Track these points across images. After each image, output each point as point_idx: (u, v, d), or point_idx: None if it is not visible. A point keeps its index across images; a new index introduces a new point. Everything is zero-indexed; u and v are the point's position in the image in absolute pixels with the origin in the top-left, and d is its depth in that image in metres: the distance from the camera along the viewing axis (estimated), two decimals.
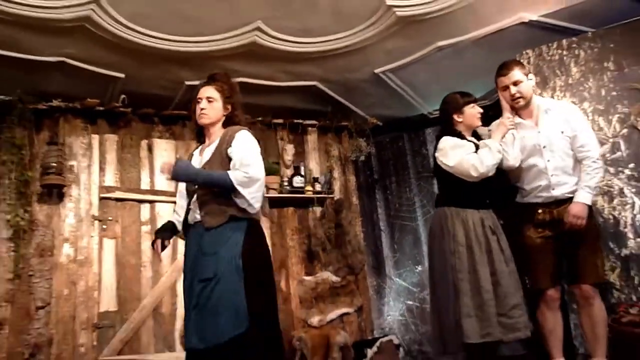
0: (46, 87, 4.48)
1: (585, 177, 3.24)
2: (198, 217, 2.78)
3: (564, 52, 4.05)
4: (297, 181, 5.21)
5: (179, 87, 4.75)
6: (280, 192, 5.16)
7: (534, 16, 4.04)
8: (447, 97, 3.57)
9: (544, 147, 3.34)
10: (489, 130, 3.52)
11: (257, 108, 5.02)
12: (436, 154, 3.45)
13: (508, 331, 3.14)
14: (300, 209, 5.34)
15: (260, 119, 5.23)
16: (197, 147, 3.06)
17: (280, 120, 5.40)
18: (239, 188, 2.68)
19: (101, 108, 4.70)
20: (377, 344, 4.81)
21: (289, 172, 5.30)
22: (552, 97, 3.97)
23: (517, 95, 3.37)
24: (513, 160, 3.36)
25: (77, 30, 3.79)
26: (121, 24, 3.79)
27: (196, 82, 4.55)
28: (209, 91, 2.94)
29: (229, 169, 2.74)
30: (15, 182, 4.27)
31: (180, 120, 5.04)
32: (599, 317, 3.22)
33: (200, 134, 3.02)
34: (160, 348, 4.48)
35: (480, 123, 3.52)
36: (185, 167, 2.78)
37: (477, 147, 3.41)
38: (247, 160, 2.73)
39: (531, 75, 3.48)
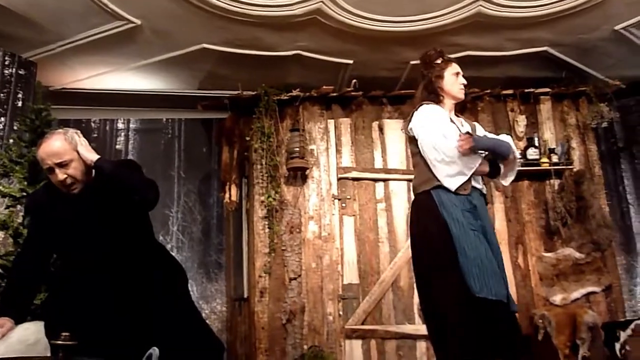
0: (286, 79, 4.93)
1: None
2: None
3: None
4: (532, 153, 4.97)
5: (403, 67, 4.86)
6: None
7: None
8: None
9: None
10: None
11: (484, 80, 4.91)
12: None
13: None
14: (536, 182, 5.09)
15: (488, 91, 5.10)
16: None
17: (510, 91, 5.19)
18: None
19: (335, 94, 5.00)
20: (632, 326, 4.40)
21: (522, 144, 5.08)
22: None
23: None
24: None
25: (309, 23, 4.10)
26: (349, 12, 4.01)
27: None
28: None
29: None
30: (266, 167, 4.78)
31: (407, 99, 5.12)
32: None
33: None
34: (400, 320, 4.66)
35: None
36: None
37: None
38: None
39: None
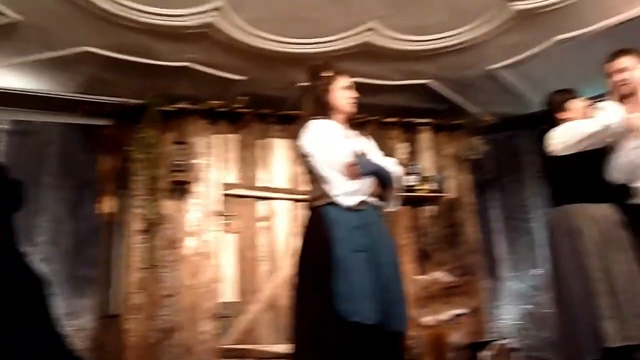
0: (174, 91, 4.81)
1: None
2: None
3: None
4: (410, 180, 5.20)
5: (293, 87, 4.91)
6: None
7: None
8: (546, 98, 3.49)
9: None
10: None
11: (369, 107, 5.05)
12: (546, 149, 3.31)
13: None
14: (413, 207, 5.33)
15: (372, 118, 5.27)
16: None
17: (392, 120, 5.41)
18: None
19: (223, 109, 4.95)
20: (493, 346, 4.70)
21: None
22: None
23: (621, 82, 3.16)
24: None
25: (201, 36, 4.04)
26: (242, 29, 4.00)
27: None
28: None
29: None
30: (147, 179, 4.62)
31: (296, 119, 5.17)
32: None
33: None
34: (277, 339, 4.65)
35: (588, 117, 3.34)
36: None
37: None
38: None
39: None
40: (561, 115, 3.36)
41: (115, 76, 4.57)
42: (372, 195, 2.75)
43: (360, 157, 2.69)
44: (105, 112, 4.91)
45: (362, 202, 2.68)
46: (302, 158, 2.82)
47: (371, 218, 2.71)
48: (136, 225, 4.59)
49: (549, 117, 3.43)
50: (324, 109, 2.83)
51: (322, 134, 2.72)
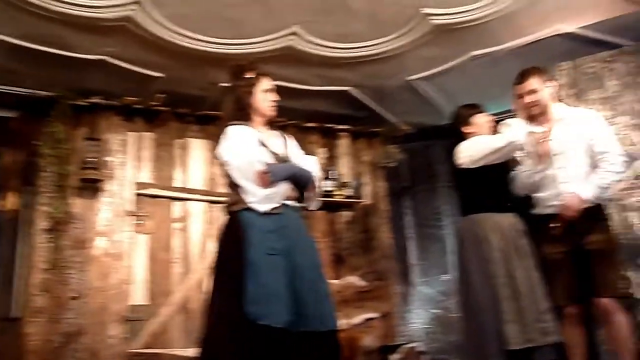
0: (87, 85, 4.61)
1: (595, 175, 3.18)
2: None
3: (601, 66, 4.03)
4: (327, 185, 5.25)
5: (213, 87, 4.84)
6: None
7: (571, 28, 4.03)
8: (457, 109, 3.68)
9: (555, 154, 3.28)
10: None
11: (289, 111, 5.08)
12: (457, 161, 3.47)
13: (542, 336, 3.12)
14: (329, 212, 5.38)
15: (292, 122, 5.29)
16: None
17: (312, 124, 5.44)
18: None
19: (139, 106, 4.80)
20: (402, 350, 4.81)
21: None
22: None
23: (532, 104, 3.32)
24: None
25: (119, 29, 3.90)
26: (162, 24, 3.89)
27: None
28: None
29: None
30: (55, 176, 4.39)
31: (215, 120, 5.11)
32: (621, 333, 3.12)
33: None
34: (189, 343, 4.56)
35: (492, 132, 3.51)
36: None
37: None
38: None
39: (550, 83, 3.39)
40: (466, 129, 3.51)
41: (24, 66, 4.32)
42: (290, 198, 2.77)
43: (272, 165, 2.71)
44: (11, 103, 4.64)
45: (279, 206, 2.70)
46: (221, 164, 2.81)
47: (288, 221, 2.73)
48: (42, 223, 4.35)
49: (456, 130, 3.57)
50: (244, 111, 2.82)
51: (237, 142, 2.72)
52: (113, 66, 4.38)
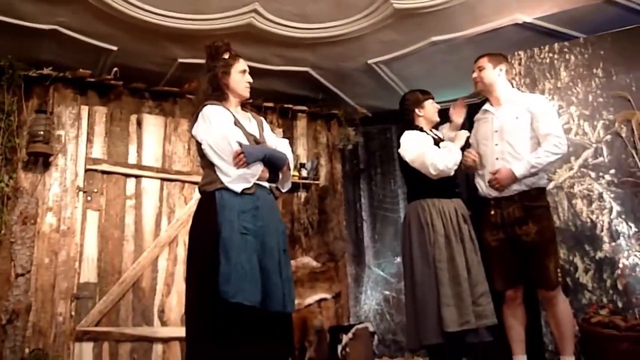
0: (38, 55, 4.46)
1: (532, 154, 3.25)
2: None
3: (555, 56, 4.12)
4: None
5: (171, 63, 4.75)
6: None
7: (528, 18, 4.10)
8: (407, 94, 3.77)
9: (495, 131, 3.38)
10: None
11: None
12: (399, 150, 3.52)
13: (478, 318, 3.21)
14: (285, 193, 5.36)
15: (250, 101, 5.23)
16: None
17: (270, 104, 5.40)
18: None
19: (92, 79, 4.67)
20: (353, 330, 4.87)
21: None
22: None
23: (476, 79, 3.48)
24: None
25: None
26: None
27: (189, 60, 4.59)
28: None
29: None
30: (2, 148, 4.25)
31: (171, 96, 5.03)
32: (563, 316, 3.23)
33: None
34: (138, 322, 4.52)
35: (438, 119, 3.60)
36: None
37: (436, 140, 3.51)
38: None
39: (502, 66, 3.46)
40: (419, 111, 3.56)
41: None
42: (262, 179, 2.78)
43: (247, 146, 2.72)
44: None
45: (252, 187, 2.72)
46: (196, 143, 2.81)
47: (261, 202, 2.74)
48: None
49: (406, 111, 3.62)
50: (220, 91, 2.82)
51: (214, 121, 2.72)
52: (66, 37, 4.24)
